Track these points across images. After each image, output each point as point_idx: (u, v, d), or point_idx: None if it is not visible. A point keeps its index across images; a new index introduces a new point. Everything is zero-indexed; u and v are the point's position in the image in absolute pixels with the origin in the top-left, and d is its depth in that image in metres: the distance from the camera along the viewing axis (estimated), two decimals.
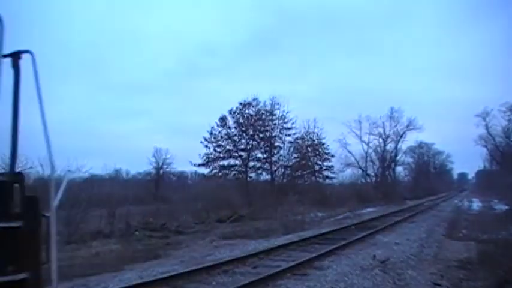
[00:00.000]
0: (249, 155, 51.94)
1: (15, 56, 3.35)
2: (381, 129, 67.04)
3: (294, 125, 53.16)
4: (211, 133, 52.16)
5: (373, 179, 67.68)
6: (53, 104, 75.05)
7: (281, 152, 53.88)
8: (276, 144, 53.30)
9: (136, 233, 25.08)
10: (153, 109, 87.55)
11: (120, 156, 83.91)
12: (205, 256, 16.75)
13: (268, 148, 52.29)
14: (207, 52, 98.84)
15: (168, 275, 12.05)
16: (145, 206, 32.99)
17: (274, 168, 53.09)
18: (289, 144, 54.22)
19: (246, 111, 51.68)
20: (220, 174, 52.09)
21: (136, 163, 79.07)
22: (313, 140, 56.31)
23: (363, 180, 66.89)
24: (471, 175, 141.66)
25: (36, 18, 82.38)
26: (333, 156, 59.51)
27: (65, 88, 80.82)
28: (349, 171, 65.45)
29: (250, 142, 51.87)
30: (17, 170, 3.49)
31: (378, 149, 67.91)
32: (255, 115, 51.50)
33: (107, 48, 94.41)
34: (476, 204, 52.57)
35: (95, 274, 13.45)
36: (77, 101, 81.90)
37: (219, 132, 52.10)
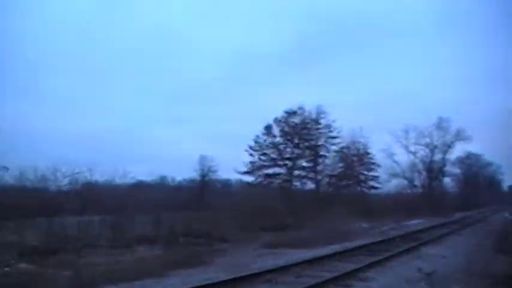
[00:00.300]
0: (294, 164, 51.85)
1: None
2: (428, 139, 65.57)
3: (339, 134, 52.83)
4: (256, 141, 52.35)
5: (420, 190, 66.43)
6: (102, 110, 76.81)
7: (326, 161, 53.68)
8: (321, 153, 53.12)
9: (181, 239, 25.25)
10: (199, 116, 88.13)
11: (166, 163, 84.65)
12: (248, 264, 16.74)
13: (313, 157, 52.11)
14: (253, 60, 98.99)
15: (211, 282, 12.08)
16: (190, 212, 33.19)
17: (319, 177, 52.88)
18: (334, 154, 53.95)
19: (291, 119, 51.68)
20: (264, 182, 52.14)
21: (181, 170, 79.64)
22: (359, 150, 55.76)
23: (409, 191, 65.73)
24: None
25: (87, 26, 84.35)
26: (378, 166, 58.82)
27: (113, 95, 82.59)
28: (395, 181, 64.35)
29: (295, 151, 51.79)
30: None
31: (425, 159, 66.54)
32: (300, 124, 51.41)
33: (153, 56, 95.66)
34: None
35: (139, 279, 13.59)
36: (124, 108, 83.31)
37: (264, 140, 52.24)
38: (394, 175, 63.49)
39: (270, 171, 52.51)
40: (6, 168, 26.69)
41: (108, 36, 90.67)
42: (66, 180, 30.77)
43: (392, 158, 62.62)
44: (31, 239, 21.64)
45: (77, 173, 30.94)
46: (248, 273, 13.56)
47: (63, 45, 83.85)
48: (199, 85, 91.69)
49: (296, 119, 51.62)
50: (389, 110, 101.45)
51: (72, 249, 20.63)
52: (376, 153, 58.14)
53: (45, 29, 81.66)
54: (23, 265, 17.48)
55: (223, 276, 13.39)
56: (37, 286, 12.64)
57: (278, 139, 52.08)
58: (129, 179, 35.81)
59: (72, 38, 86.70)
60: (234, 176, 57.78)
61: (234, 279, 12.50)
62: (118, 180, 33.59)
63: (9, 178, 28.29)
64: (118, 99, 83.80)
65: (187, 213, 32.18)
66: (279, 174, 52.52)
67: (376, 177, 58.92)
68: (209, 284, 11.78)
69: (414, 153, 65.16)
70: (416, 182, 66.54)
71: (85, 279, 13.43)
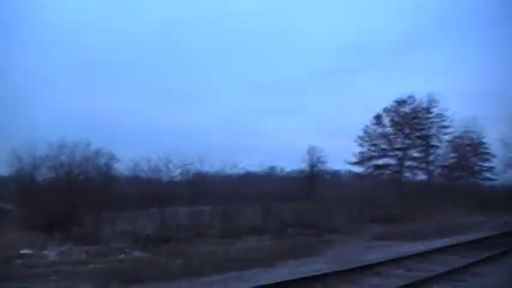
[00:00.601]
0: (404, 154, 50.84)
1: None
2: None
3: (451, 123, 50.95)
4: (365, 131, 51.78)
5: None
6: (213, 102, 78.79)
7: (438, 151, 52.08)
8: (433, 143, 51.59)
9: (290, 230, 25.44)
10: (308, 107, 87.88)
11: (275, 154, 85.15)
12: (358, 256, 16.65)
13: (424, 147, 50.79)
14: (362, 50, 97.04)
15: (319, 273, 12.12)
16: (299, 203, 33.30)
17: (431, 168, 51.45)
18: (446, 143, 52.19)
19: (402, 109, 50.63)
20: (374, 173, 51.51)
21: (290, 160, 79.97)
22: (473, 139, 53.51)
23: None
24: None
25: (198, 21, 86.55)
26: (494, 156, 56.08)
27: (223, 87, 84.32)
28: None
29: (406, 141, 50.74)
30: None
31: None
32: (411, 113, 50.24)
33: (262, 47, 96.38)
34: None
35: (248, 268, 13.88)
36: (234, 101, 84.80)
37: (374, 130, 51.58)
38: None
39: (380, 161, 51.86)
40: (116, 159, 27.89)
41: (216, 29, 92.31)
42: (177, 171, 31.67)
43: (509, 148, 59.45)
44: (145, 228, 22.63)
45: (188, 164, 31.72)
46: (357, 265, 13.51)
47: (174, 39, 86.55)
48: (308, 76, 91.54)
49: (406, 109, 50.56)
50: (505, 97, 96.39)
51: (183, 238, 21.37)
52: (492, 142, 55.39)
53: (152, 26, 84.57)
54: (137, 253, 18.35)
55: (332, 267, 13.42)
56: (151, 273, 13.18)
57: (388, 129, 51.33)
58: (238, 170, 36.32)
59: (181, 33, 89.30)
60: (343, 167, 57.44)
61: (343, 271, 12.47)
62: (228, 171, 34.20)
63: (123, 170, 29.54)
64: (228, 92, 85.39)
65: (296, 204, 32.31)
66: (389, 165, 51.73)
67: (492, 168, 56.12)
68: (317, 276, 11.82)
69: None
70: None
71: (196, 268, 13.88)
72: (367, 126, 51.56)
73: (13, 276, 13.05)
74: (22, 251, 16.99)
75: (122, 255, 17.81)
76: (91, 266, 15.41)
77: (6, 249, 16.82)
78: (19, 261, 15.82)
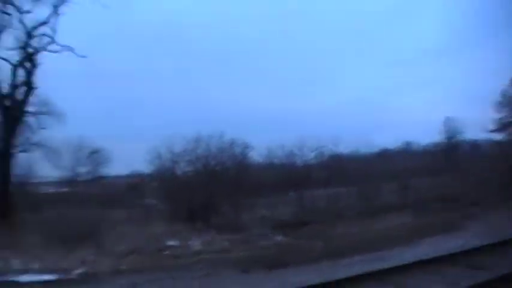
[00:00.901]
0: None
1: None
2: None
3: None
4: (503, 96, 49.09)
5: None
6: (344, 83, 78.13)
7: None
8: None
9: (429, 205, 24.81)
10: (442, 78, 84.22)
11: (410, 128, 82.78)
12: (503, 229, 15.90)
13: None
14: (494, 9, 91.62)
15: (461, 249, 11.75)
16: (437, 177, 32.34)
17: None
18: None
19: None
20: None
21: (426, 134, 77.37)
22: None
23: None
24: None
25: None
26: None
27: (354, 67, 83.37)
28: None
29: None
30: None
31: None
32: None
33: (392, 21, 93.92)
34: None
35: (388, 247, 13.73)
36: (366, 79, 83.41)
37: None
38: None
39: None
40: (250, 147, 28.59)
41: (343, 9, 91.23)
42: (312, 155, 31.95)
43: None
44: (282, 213, 23.04)
45: (323, 147, 31.94)
46: (504, 239, 12.88)
47: (303, 22, 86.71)
48: (440, 45, 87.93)
49: None
50: None
51: (322, 220, 21.51)
52: None
53: (279, 9, 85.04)
54: (279, 237, 18.72)
55: (476, 243, 12.94)
56: (292, 257, 13.42)
57: None
58: (373, 148, 36.02)
59: (309, 14, 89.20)
60: (482, 136, 54.93)
61: (489, 245, 12.00)
62: (363, 150, 34.02)
63: (258, 157, 30.24)
64: (358, 70, 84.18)
65: (434, 178, 31.42)
66: None
67: None
68: (459, 252, 11.47)
69: None
70: None
71: (337, 249, 13.97)
72: (504, 90, 48.92)
73: (163, 266, 13.83)
74: (169, 243, 17.94)
75: (264, 241, 18.26)
76: (234, 253, 15.96)
77: (155, 242, 17.84)
78: (166, 252, 16.72)
